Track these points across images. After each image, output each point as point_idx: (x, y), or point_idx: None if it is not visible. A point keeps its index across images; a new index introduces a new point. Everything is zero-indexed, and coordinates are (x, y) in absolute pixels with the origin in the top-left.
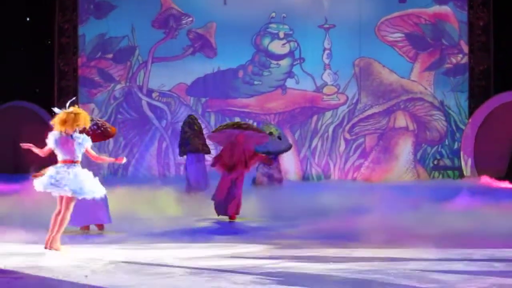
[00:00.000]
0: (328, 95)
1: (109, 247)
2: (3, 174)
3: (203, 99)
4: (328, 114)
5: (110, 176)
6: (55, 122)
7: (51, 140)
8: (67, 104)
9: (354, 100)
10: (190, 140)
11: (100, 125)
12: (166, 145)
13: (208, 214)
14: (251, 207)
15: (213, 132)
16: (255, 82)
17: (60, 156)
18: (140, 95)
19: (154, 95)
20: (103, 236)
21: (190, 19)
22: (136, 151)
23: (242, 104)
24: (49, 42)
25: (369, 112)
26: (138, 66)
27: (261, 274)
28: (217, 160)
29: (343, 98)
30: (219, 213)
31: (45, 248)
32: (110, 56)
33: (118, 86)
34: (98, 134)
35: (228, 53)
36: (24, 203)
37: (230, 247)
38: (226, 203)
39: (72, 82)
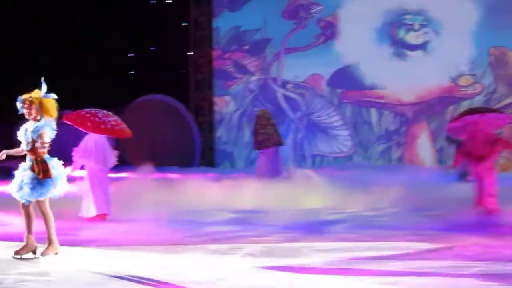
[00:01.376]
0: (464, 86)
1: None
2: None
3: (339, 90)
4: (465, 104)
5: (246, 169)
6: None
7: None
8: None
9: (491, 90)
10: (268, 133)
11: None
12: (301, 137)
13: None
14: None
15: (451, 121)
16: (391, 74)
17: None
18: (274, 86)
19: (288, 86)
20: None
21: (320, 7)
22: None
23: (378, 95)
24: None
25: (506, 101)
26: (271, 57)
27: None
28: (461, 152)
29: (479, 88)
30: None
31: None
32: (245, 48)
33: (253, 78)
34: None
35: (362, 44)
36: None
37: None
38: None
39: (207, 75)
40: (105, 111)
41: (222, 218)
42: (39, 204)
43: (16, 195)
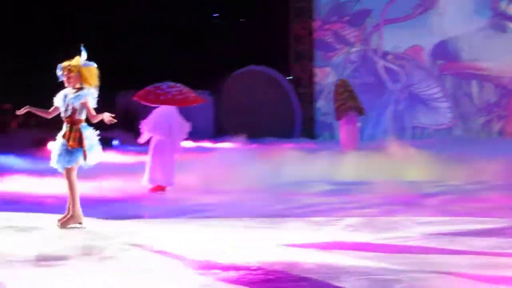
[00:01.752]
0: None
1: None
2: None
3: (439, 62)
4: None
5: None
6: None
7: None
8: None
9: None
10: (344, 100)
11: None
12: (402, 108)
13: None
14: None
15: None
16: (492, 46)
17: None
18: (375, 58)
19: (389, 57)
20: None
21: None
22: (372, 115)
23: (479, 67)
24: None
25: None
26: (371, 28)
27: None
28: None
29: None
30: None
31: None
32: (345, 19)
33: (354, 49)
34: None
35: (462, 15)
36: None
37: None
38: None
39: (308, 46)
40: (171, 83)
41: (320, 190)
42: (65, 171)
43: (57, 163)
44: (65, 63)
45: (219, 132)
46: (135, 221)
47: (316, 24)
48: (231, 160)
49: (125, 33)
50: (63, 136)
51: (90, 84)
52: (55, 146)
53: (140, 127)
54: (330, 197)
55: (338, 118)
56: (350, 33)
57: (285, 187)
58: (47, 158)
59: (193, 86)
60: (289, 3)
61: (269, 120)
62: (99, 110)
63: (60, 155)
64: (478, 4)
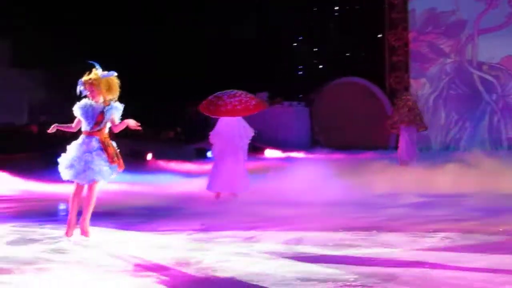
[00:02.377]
0: None
1: None
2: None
3: None
4: None
5: (440, 151)
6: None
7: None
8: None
9: None
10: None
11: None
12: (498, 119)
13: None
14: None
15: None
16: None
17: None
18: (470, 68)
19: (484, 68)
20: None
21: None
22: (468, 126)
23: None
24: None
25: None
26: (465, 39)
27: None
28: None
29: None
30: None
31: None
32: (441, 30)
33: (449, 61)
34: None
35: None
36: None
37: None
38: None
39: (403, 57)
40: (232, 92)
41: (414, 201)
42: (93, 186)
43: (79, 177)
44: (85, 78)
45: (314, 144)
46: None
47: (411, 35)
48: (324, 171)
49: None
50: (103, 151)
51: (113, 95)
52: (87, 159)
53: (209, 139)
54: (424, 209)
55: (393, 131)
56: (445, 44)
57: (376, 198)
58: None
59: (289, 98)
60: (385, 14)
61: (364, 132)
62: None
63: (100, 171)
64: None
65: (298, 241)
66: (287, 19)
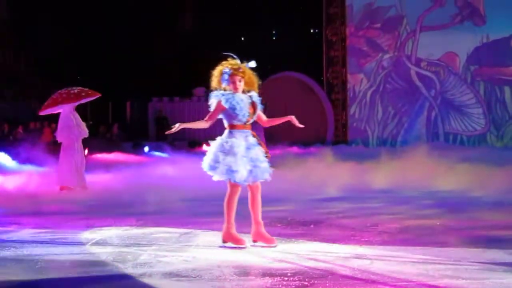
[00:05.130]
0: None
1: None
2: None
3: (472, 67)
4: None
5: (378, 146)
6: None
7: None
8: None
9: None
10: None
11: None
12: (435, 115)
13: None
14: None
15: None
16: None
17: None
18: (408, 64)
19: (422, 64)
20: None
21: None
22: (405, 121)
23: None
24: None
25: None
26: (406, 35)
27: None
28: None
29: None
30: None
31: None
32: (378, 25)
33: (386, 56)
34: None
35: (499, 21)
36: None
37: None
38: None
39: (340, 52)
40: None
41: (354, 196)
42: (259, 186)
43: (247, 177)
44: (233, 67)
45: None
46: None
47: (349, 30)
48: None
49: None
50: (247, 145)
51: (253, 86)
52: (250, 157)
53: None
54: (359, 204)
55: None
56: (382, 39)
57: (314, 193)
58: None
59: None
60: (322, 9)
61: (303, 125)
62: (131, 118)
63: (258, 166)
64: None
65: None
66: (222, 13)
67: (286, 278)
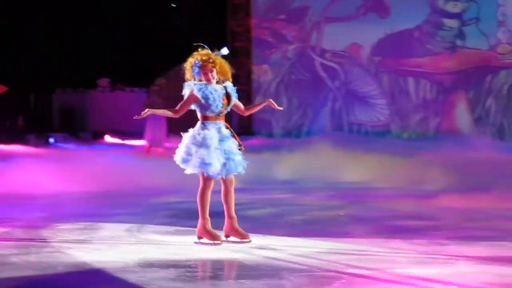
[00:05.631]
0: (503, 54)
1: None
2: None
3: (377, 59)
4: (503, 73)
5: (284, 137)
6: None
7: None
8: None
9: None
10: None
11: None
12: (339, 106)
13: None
14: None
15: None
16: (429, 42)
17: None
18: (313, 55)
19: (327, 55)
20: None
21: None
22: (310, 112)
23: (416, 63)
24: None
25: None
26: (310, 26)
27: None
28: None
29: None
30: None
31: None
32: (283, 16)
33: (291, 47)
34: None
35: (402, 13)
36: None
37: None
38: None
39: (245, 43)
40: None
41: (258, 187)
42: (233, 179)
43: (221, 170)
44: (203, 58)
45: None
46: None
47: (253, 21)
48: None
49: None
50: (220, 137)
51: (226, 75)
52: (224, 149)
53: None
54: (266, 195)
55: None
56: (287, 30)
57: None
58: None
59: (130, 83)
60: (227, 0)
61: None
62: (35, 110)
63: (242, 160)
64: (418, 1)
65: (140, 228)
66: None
67: (190, 269)
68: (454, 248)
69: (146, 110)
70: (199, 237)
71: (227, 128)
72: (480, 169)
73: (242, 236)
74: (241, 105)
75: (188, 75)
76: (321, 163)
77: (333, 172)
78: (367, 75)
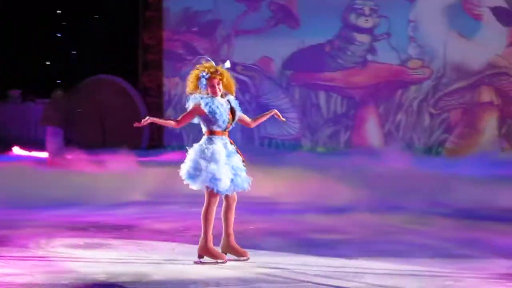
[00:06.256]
0: (413, 68)
1: None
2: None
3: (288, 72)
4: (413, 88)
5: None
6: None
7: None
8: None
9: (439, 74)
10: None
11: None
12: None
13: None
14: None
15: None
16: (341, 57)
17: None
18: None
19: (238, 68)
20: None
21: None
22: None
23: (327, 78)
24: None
25: (454, 86)
26: (221, 39)
27: None
28: None
29: (428, 72)
30: None
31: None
32: (195, 29)
33: (203, 60)
34: None
35: (314, 27)
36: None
37: None
38: None
39: (157, 56)
40: None
41: (164, 201)
42: (235, 196)
43: (230, 186)
44: (211, 70)
45: (66, 143)
46: None
47: (166, 34)
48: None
49: None
50: (228, 151)
51: (230, 89)
52: (232, 165)
53: None
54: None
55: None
56: (199, 43)
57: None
58: None
59: (41, 95)
60: (139, 12)
61: (119, 130)
62: None
63: (239, 175)
64: (329, 16)
65: (48, 241)
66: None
67: (98, 282)
68: (362, 262)
69: (147, 118)
70: (200, 256)
71: (231, 143)
72: (390, 183)
73: (241, 254)
74: (247, 118)
75: (191, 87)
76: None
77: None
78: (278, 88)
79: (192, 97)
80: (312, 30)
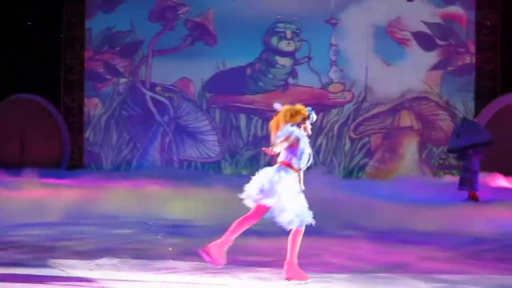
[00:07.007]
0: (334, 92)
1: None
2: (9, 169)
3: (208, 95)
4: (334, 112)
5: (113, 171)
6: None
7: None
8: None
9: (360, 98)
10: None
11: None
12: (169, 140)
13: None
14: None
15: None
16: (262, 80)
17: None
18: (143, 89)
19: (157, 89)
20: None
21: (186, 8)
22: (140, 146)
23: (248, 100)
24: (61, 35)
25: (375, 111)
26: (139, 60)
27: None
28: None
29: (349, 96)
30: None
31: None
32: (117, 50)
33: (122, 80)
34: None
35: (235, 50)
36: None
37: None
38: None
39: (78, 76)
40: None
41: (80, 222)
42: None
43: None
44: (304, 110)
45: None
46: None
47: (87, 54)
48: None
49: None
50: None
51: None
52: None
53: None
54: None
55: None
56: (120, 64)
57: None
58: None
59: None
60: (61, 32)
61: (39, 150)
62: None
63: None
64: (251, 39)
65: None
66: None
67: None
68: (280, 284)
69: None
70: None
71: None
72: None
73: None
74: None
75: (290, 119)
76: (147, 198)
77: (159, 207)
78: (198, 110)
79: (294, 128)
80: (233, 53)
